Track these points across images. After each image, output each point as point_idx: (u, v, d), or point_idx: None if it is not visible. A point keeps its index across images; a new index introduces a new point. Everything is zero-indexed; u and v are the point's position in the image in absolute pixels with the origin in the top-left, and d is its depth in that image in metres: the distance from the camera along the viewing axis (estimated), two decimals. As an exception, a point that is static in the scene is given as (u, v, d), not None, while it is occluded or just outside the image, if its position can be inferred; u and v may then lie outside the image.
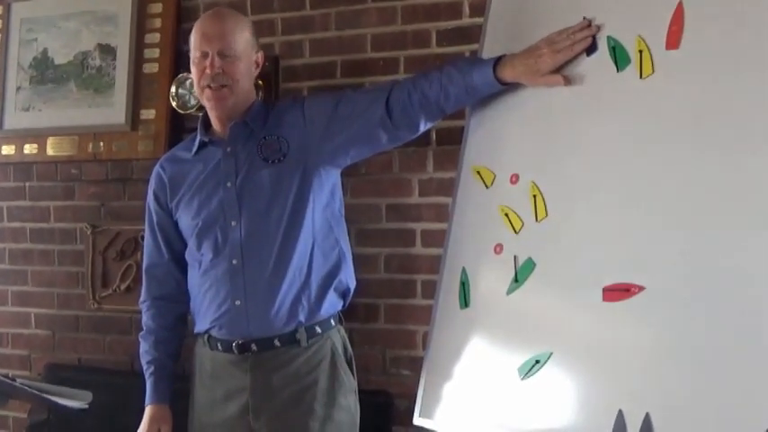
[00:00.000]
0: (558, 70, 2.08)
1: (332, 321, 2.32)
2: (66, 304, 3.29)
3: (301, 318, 2.26)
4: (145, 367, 2.43)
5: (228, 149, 2.32)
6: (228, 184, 2.30)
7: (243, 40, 2.29)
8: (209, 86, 2.28)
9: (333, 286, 2.31)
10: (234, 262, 2.27)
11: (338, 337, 2.34)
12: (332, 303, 2.32)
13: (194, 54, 2.31)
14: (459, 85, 2.18)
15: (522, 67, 2.10)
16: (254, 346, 2.25)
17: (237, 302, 2.26)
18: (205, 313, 2.33)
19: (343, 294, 2.36)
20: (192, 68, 2.33)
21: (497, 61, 2.13)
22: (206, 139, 2.37)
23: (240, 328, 2.26)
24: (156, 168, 2.46)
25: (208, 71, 2.26)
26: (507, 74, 2.13)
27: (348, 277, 2.36)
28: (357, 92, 2.42)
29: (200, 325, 2.35)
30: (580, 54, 2.07)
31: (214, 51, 2.25)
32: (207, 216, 2.31)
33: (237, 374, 2.28)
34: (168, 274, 2.43)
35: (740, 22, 1.83)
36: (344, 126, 2.27)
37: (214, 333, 2.31)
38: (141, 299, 2.48)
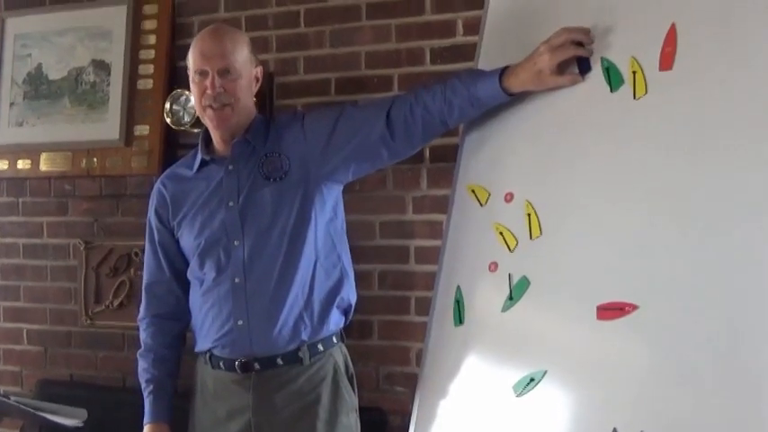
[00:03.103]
0: (562, 73, 2.06)
1: (334, 339, 2.32)
2: (59, 320, 3.29)
3: (304, 336, 2.25)
4: (144, 386, 2.41)
5: (230, 168, 2.31)
6: (231, 203, 2.29)
7: (242, 56, 2.29)
8: (210, 107, 2.27)
9: (335, 303, 2.31)
10: (236, 281, 2.26)
11: (340, 354, 2.34)
12: (334, 320, 2.32)
13: (193, 73, 2.30)
14: (464, 98, 2.15)
15: (525, 73, 2.08)
16: (256, 365, 2.25)
17: (240, 322, 2.25)
18: (207, 332, 2.31)
19: (345, 311, 2.36)
20: (192, 87, 2.32)
21: (502, 72, 2.12)
22: (207, 158, 2.35)
23: (243, 348, 2.25)
24: (158, 185, 2.45)
25: (209, 91, 2.25)
26: (512, 83, 2.10)
27: (350, 293, 2.36)
28: (357, 107, 2.42)
29: (202, 344, 2.34)
30: (572, 61, 2.07)
31: (214, 70, 2.25)
32: (209, 235, 2.30)
33: (240, 393, 2.27)
34: (169, 291, 2.42)
35: (732, 43, 1.86)
36: (345, 142, 2.26)
37: (216, 352, 2.30)
38: (140, 316, 2.47)
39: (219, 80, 2.25)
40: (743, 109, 1.82)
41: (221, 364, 2.29)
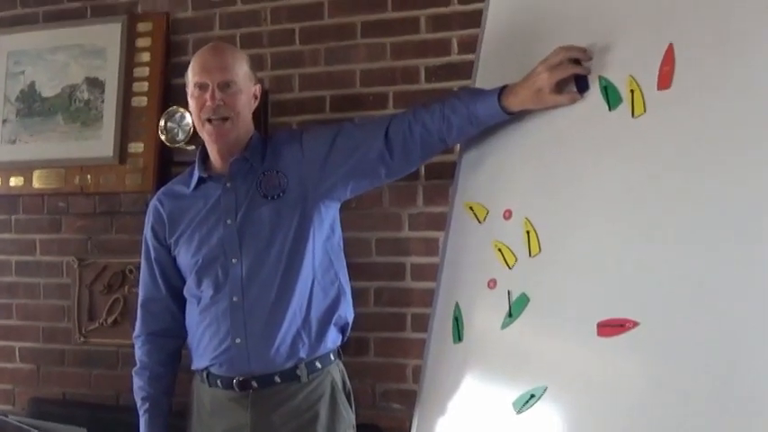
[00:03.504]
0: (561, 92, 2.07)
1: (331, 356, 2.32)
2: (52, 338, 3.28)
3: (302, 354, 2.25)
4: (139, 404, 2.40)
5: (228, 185, 2.31)
6: (229, 221, 2.29)
7: (242, 71, 2.29)
8: (209, 120, 2.26)
9: (333, 321, 2.31)
10: (234, 299, 2.26)
11: (338, 371, 2.34)
12: (332, 338, 2.32)
13: (192, 87, 2.29)
14: (463, 116, 2.16)
15: (525, 91, 2.09)
16: (254, 383, 2.24)
17: (238, 340, 2.24)
18: (204, 350, 2.31)
19: (343, 329, 2.36)
20: (191, 102, 2.31)
21: (501, 91, 2.13)
22: (205, 175, 2.35)
23: (241, 366, 2.25)
24: (154, 202, 2.44)
25: (209, 103, 2.25)
26: (512, 102, 2.11)
27: (347, 311, 2.36)
28: (355, 125, 2.42)
29: (199, 362, 2.33)
30: (570, 80, 2.08)
31: (214, 83, 2.25)
32: (207, 253, 2.29)
33: (238, 411, 2.27)
34: (165, 309, 2.41)
35: (729, 63, 1.88)
36: (343, 160, 2.26)
37: (214, 370, 2.29)
38: (135, 333, 2.46)
39: (220, 93, 2.25)
40: (741, 128, 1.84)
41: (219, 382, 2.29)
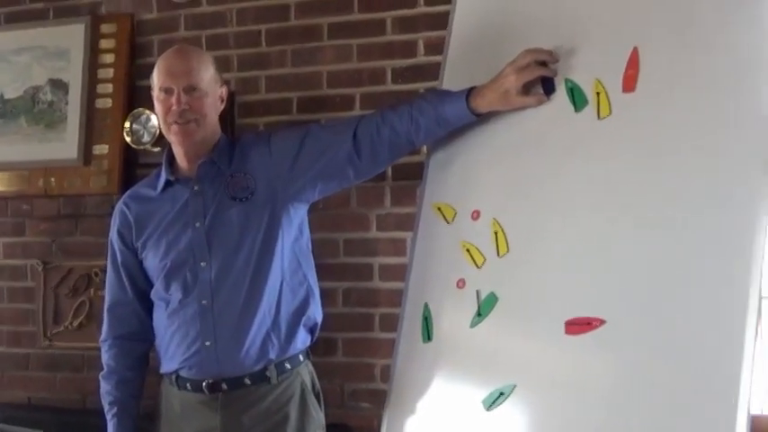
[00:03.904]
0: (528, 94, 2.11)
1: (300, 357, 2.33)
2: (16, 342, 3.24)
3: (271, 356, 2.26)
4: (107, 408, 2.39)
5: (196, 188, 2.30)
6: (197, 224, 2.28)
7: (208, 75, 2.30)
8: (175, 122, 2.26)
9: (302, 322, 2.31)
10: (204, 302, 2.26)
11: (307, 372, 2.35)
12: (301, 339, 2.32)
13: (158, 91, 2.29)
14: (431, 118, 2.18)
15: (492, 93, 2.11)
16: (224, 386, 2.24)
17: (207, 343, 2.24)
18: (174, 353, 2.30)
19: (312, 329, 2.37)
20: (157, 105, 2.31)
21: (469, 93, 2.15)
22: (172, 178, 2.34)
23: (210, 369, 2.25)
24: (120, 206, 2.43)
25: (174, 107, 2.25)
26: (479, 103, 2.13)
27: (316, 312, 2.37)
28: (323, 126, 2.43)
29: (168, 365, 2.33)
30: (537, 81, 2.11)
31: (180, 87, 2.25)
32: (176, 257, 2.29)
33: (207, 414, 2.26)
34: (132, 312, 2.39)
35: (692, 67, 1.93)
36: (312, 162, 2.27)
37: (183, 373, 2.29)
38: (102, 338, 2.44)
39: (185, 97, 2.25)
40: (703, 129, 1.89)
41: (188, 385, 2.29)
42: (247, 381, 2.25)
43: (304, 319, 2.33)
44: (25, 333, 3.22)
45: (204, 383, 2.25)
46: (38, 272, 3.19)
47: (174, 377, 2.32)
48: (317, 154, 2.28)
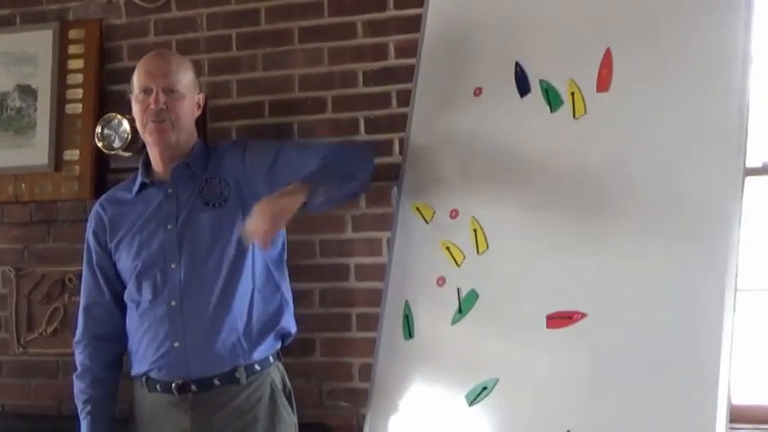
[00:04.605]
0: None
1: (270, 358, 2.34)
2: (-12, 349, 3.21)
3: (241, 360, 2.28)
4: (80, 407, 2.39)
5: (170, 191, 2.33)
6: (169, 227, 2.31)
7: (187, 79, 2.34)
8: (152, 121, 2.29)
9: (274, 332, 2.34)
10: (173, 304, 2.28)
11: (277, 372, 2.37)
12: (271, 344, 2.35)
13: (137, 91, 2.32)
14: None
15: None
16: (193, 387, 2.26)
17: (176, 344, 2.26)
18: (144, 355, 2.32)
19: (284, 338, 2.39)
20: (135, 106, 2.34)
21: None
22: (147, 181, 2.37)
23: (179, 370, 2.26)
24: (96, 208, 2.45)
25: (152, 106, 2.28)
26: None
27: (290, 324, 2.39)
28: (297, 144, 2.47)
29: (139, 367, 2.34)
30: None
31: (158, 88, 2.28)
32: (147, 258, 2.32)
33: (178, 415, 2.28)
34: (108, 313, 2.40)
35: (665, 67, 2.00)
36: (283, 178, 2.28)
37: (153, 375, 2.30)
38: (76, 339, 2.44)
39: (163, 97, 2.29)
40: (677, 127, 1.96)
41: (158, 386, 2.30)
42: (216, 382, 2.26)
43: (277, 328, 2.35)
44: (-3, 340, 3.20)
45: (173, 384, 2.26)
46: (10, 278, 3.16)
47: (144, 379, 2.33)
48: (288, 173, 2.30)
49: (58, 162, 3.12)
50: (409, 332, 2.28)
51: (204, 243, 2.28)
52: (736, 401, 2.43)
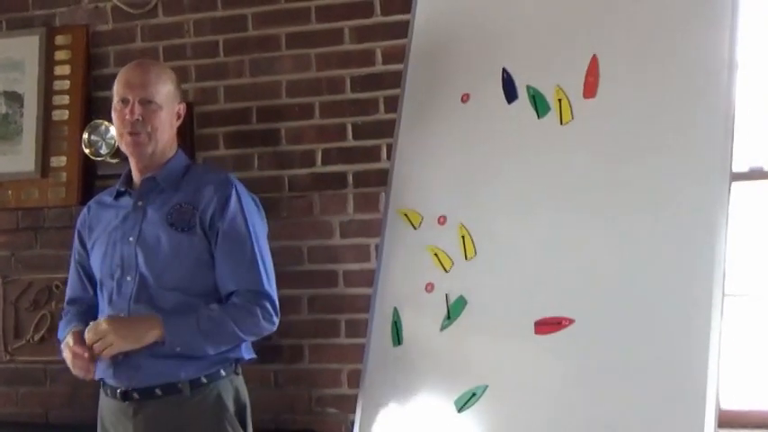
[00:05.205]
0: None
1: (222, 372, 2.30)
2: (-26, 358, 3.20)
3: (182, 376, 2.25)
4: (63, 327, 2.39)
5: (139, 203, 2.34)
6: (131, 239, 2.31)
7: (165, 90, 2.32)
8: (129, 132, 2.29)
9: (224, 356, 2.29)
10: (121, 315, 2.27)
11: (229, 387, 2.30)
12: (222, 367, 2.30)
13: (116, 102, 2.33)
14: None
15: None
16: (135, 395, 2.26)
17: (120, 357, 2.24)
18: (100, 360, 2.28)
19: (236, 361, 2.34)
20: (114, 116, 2.35)
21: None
22: (122, 189, 2.39)
23: (122, 378, 2.26)
24: (85, 208, 2.49)
25: (128, 117, 2.28)
26: None
27: (245, 352, 2.34)
28: (252, 256, 2.30)
29: (98, 371, 2.31)
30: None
31: (135, 99, 2.28)
32: (109, 266, 2.33)
33: (124, 421, 2.28)
34: (90, 308, 2.40)
35: (651, 73, 2.01)
36: (221, 258, 2.29)
37: (106, 380, 2.32)
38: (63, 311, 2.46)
39: (140, 108, 2.28)
40: (664, 132, 1.97)
41: (108, 391, 2.32)
42: (158, 391, 2.25)
43: (228, 353, 2.30)
44: (-16, 348, 3.18)
45: (118, 391, 2.27)
46: (-4, 286, 3.16)
47: (102, 383, 2.35)
48: (218, 266, 2.28)
49: (44, 168, 3.12)
50: (398, 338, 2.28)
51: (160, 262, 2.28)
52: (724, 406, 2.45)
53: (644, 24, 2.05)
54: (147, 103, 2.29)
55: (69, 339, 2.25)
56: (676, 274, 1.90)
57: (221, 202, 2.30)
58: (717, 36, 1.96)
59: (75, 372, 2.24)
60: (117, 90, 2.33)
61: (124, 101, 2.30)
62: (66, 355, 2.25)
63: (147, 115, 2.29)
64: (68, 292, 2.48)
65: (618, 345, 1.94)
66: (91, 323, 2.24)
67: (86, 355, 2.19)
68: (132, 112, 2.28)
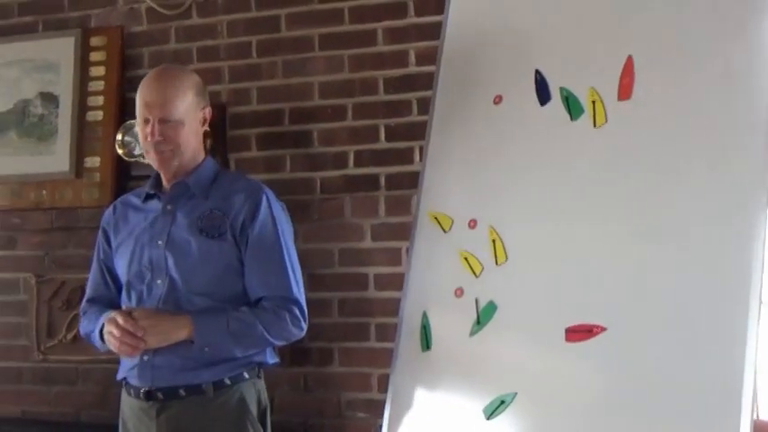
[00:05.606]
0: None
1: (245, 374, 2.29)
2: (8, 356, 3.21)
3: (206, 376, 2.25)
4: (87, 325, 2.41)
5: (169, 207, 2.34)
6: (160, 242, 2.31)
7: (185, 104, 2.29)
8: (153, 150, 2.30)
9: (248, 361, 2.29)
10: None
11: (252, 390, 2.30)
12: (245, 369, 2.29)
13: (138, 117, 2.33)
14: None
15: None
16: (159, 395, 2.26)
17: (145, 358, 2.25)
18: (123, 360, 2.32)
19: (259, 365, 2.34)
20: (139, 128, 2.35)
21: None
22: (152, 192, 2.39)
23: (145, 378, 2.26)
24: (109, 208, 2.50)
25: (149, 138, 2.28)
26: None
27: (268, 357, 2.34)
28: (282, 261, 2.31)
29: (121, 372, 2.35)
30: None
31: (155, 119, 2.26)
32: (137, 269, 2.33)
33: (146, 421, 2.28)
34: (114, 306, 2.37)
35: (687, 74, 1.96)
36: (251, 262, 2.29)
37: (129, 380, 2.32)
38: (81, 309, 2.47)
39: (159, 127, 2.26)
40: (700, 136, 1.92)
41: (132, 391, 2.31)
42: (182, 392, 2.25)
43: (255, 357, 2.30)
44: (18, 347, 3.20)
45: (142, 391, 2.27)
46: (31, 285, 3.17)
47: (124, 383, 2.35)
48: (256, 264, 2.28)
49: (78, 169, 3.14)
50: (427, 343, 2.25)
51: (189, 266, 2.28)
52: (762, 416, 2.39)
53: (681, 24, 2.00)
54: (166, 122, 2.27)
55: (118, 318, 2.19)
56: (712, 282, 1.85)
57: (252, 209, 2.30)
58: (755, 38, 1.90)
59: (123, 350, 2.20)
60: (138, 106, 2.32)
61: (146, 120, 2.29)
62: (113, 332, 2.18)
63: (168, 133, 2.27)
64: (89, 291, 2.48)
65: (650, 353, 1.89)
66: (125, 310, 2.23)
67: (140, 333, 2.17)
68: (153, 133, 2.27)
